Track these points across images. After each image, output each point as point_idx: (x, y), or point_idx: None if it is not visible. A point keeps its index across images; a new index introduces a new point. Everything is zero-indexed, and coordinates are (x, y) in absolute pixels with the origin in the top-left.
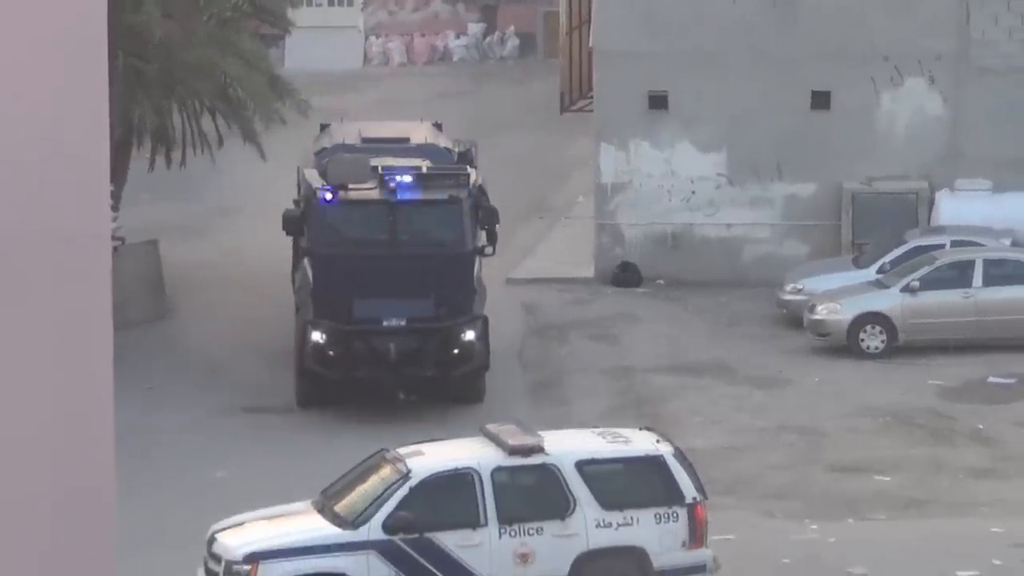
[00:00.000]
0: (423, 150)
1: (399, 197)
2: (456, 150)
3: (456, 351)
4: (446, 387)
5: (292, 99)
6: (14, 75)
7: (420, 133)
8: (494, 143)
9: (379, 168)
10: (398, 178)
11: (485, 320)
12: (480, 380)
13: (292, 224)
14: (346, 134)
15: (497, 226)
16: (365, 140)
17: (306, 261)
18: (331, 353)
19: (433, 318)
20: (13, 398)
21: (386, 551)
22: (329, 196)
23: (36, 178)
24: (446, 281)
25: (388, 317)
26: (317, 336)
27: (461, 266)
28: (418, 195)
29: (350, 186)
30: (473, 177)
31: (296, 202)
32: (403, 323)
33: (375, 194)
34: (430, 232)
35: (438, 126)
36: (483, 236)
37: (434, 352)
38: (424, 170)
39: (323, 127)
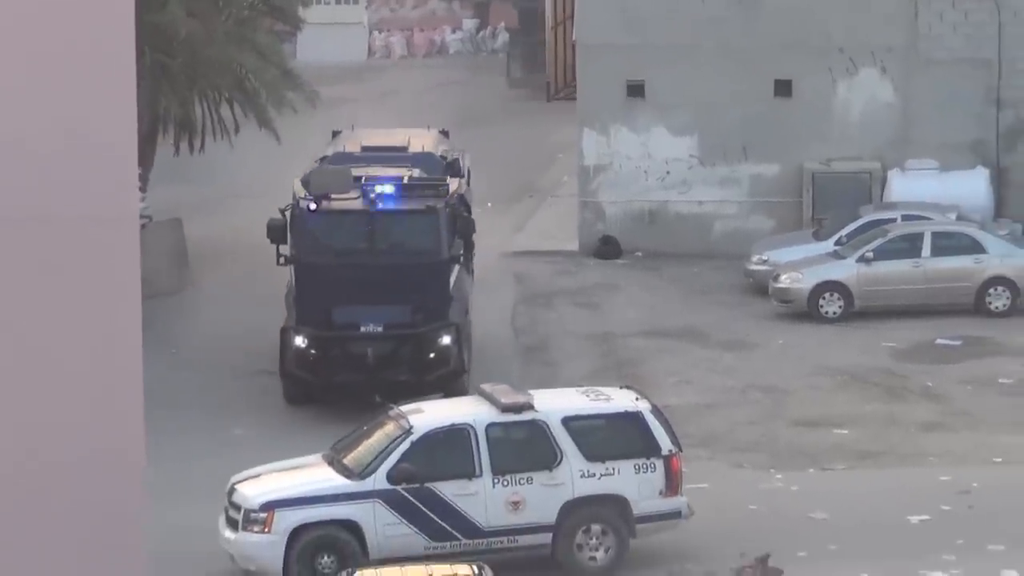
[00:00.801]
0: (418, 159)
1: (378, 207)
2: (447, 159)
3: (432, 355)
4: (422, 390)
5: (302, 90)
6: (51, 72)
7: (423, 141)
8: (486, 129)
9: (362, 178)
10: (378, 188)
11: (459, 326)
12: (458, 383)
13: (276, 232)
14: (350, 142)
15: (474, 235)
16: (365, 148)
17: (290, 268)
18: (311, 358)
19: (409, 324)
20: (52, 358)
21: (390, 500)
22: (312, 206)
23: (72, 164)
24: (422, 288)
25: (366, 323)
26: (299, 341)
27: (437, 274)
28: (397, 205)
29: (333, 196)
30: (454, 187)
31: (282, 211)
32: (380, 329)
33: (356, 204)
34: (408, 241)
35: (444, 133)
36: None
37: (409, 357)
38: (405, 180)
39: (335, 134)
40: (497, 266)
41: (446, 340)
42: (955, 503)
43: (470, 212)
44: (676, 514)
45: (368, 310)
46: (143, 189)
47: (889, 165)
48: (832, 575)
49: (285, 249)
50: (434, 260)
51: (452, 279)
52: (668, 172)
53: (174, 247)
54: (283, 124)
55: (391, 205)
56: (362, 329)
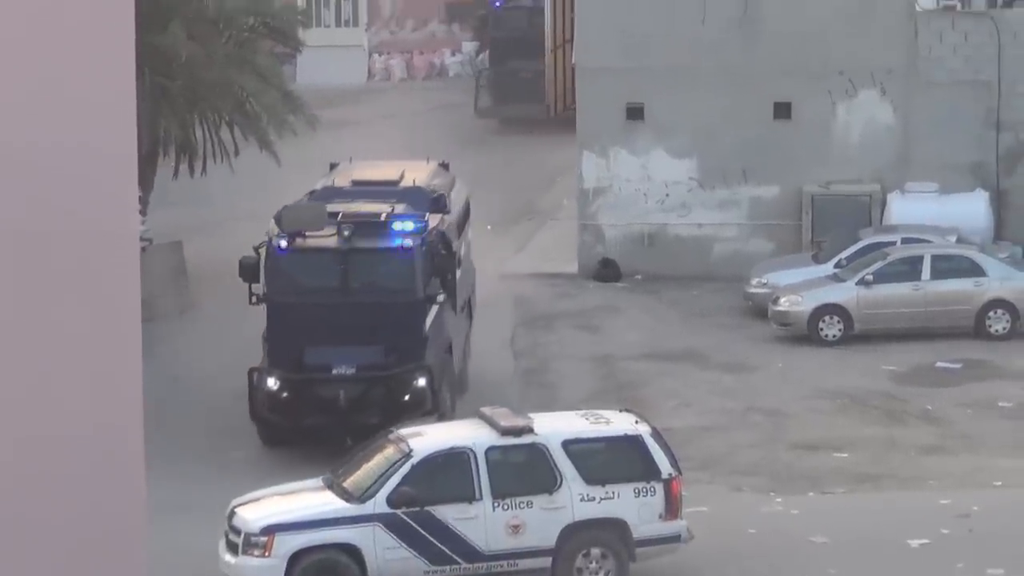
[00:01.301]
0: (406, 193)
1: (352, 245)
2: (434, 194)
3: (407, 398)
4: None
5: (302, 112)
6: (52, 93)
7: (418, 174)
8: (486, 151)
9: (338, 215)
10: (353, 226)
11: (433, 368)
12: None
13: (248, 271)
14: (341, 176)
15: (450, 274)
16: (355, 183)
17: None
18: (282, 401)
19: (382, 365)
20: (51, 382)
21: (390, 523)
22: (283, 244)
23: (73, 186)
24: (396, 329)
25: (338, 365)
26: (270, 383)
27: (412, 314)
28: (370, 243)
29: (306, 233)
30: (433, 224)
31: (255, 248)
32: (352, 371)
33: (328, 242)
34: (381, 280)
35: (444, 166)
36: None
37: (382, 399)
38: (383, 217)
39: (332, 166)
40: (497, 288)
41: (421, 382)
42: (955, 527)
43: (450, 249)
44: (676, 538)
45: (340, 351)
46: (143, 212)
47: (889, 188)
48: None
49: (258, 288)
50: (409, 300)
51: (428, 319)
52: (668, 195)
53: (174, 269)
54: (283, 146)
55: (364, 243)
56: (334, 371)
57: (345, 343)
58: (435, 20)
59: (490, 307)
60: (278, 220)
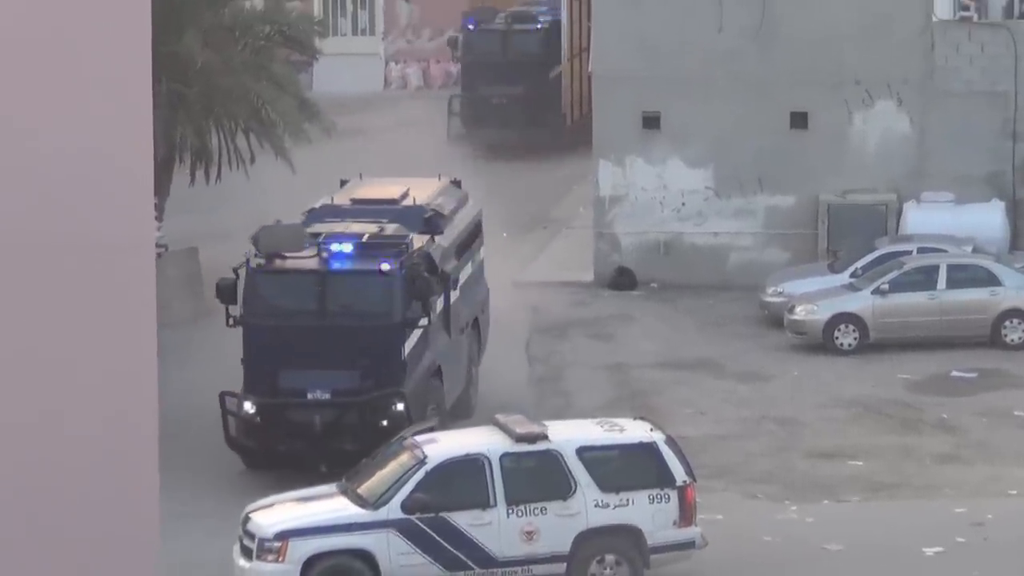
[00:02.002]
0: (404, 213)
1: (330, 267)
2: (428, 214)
3: (384, 423)
4: None
5: (319, 120)
6: (70, 102)
7: (425, 192)
8: (502, 160)
9: (320, 236)
10: (334, 247)
11: (409, 394)
12: None
13: (225, 293)
14: (342, 194)
15: (431, 298)
16: (355, 201)
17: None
18: (256, 425)
19: (358, 391)
20: (67, 386)
21: (404, 529)
22: (261, 265)
23: (90, 193)
24: (373, 353)
25: (312, 389)
26: (246, 407)
27: (389, 338)
28: (348, 265)
29: (285, 255)
30: (417, 245)
31: (234, 270)
32: (328, 396)
33: (306, 263)
34: (359, 303)
35: (456, 183)
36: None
37: (358, 425)
38: (365, 238)
39: (342, 183)
40: (512, 296)
41: (399, 407)
42: (970, 535)
43: (435, 271)
44: (690, 544)
45: (316, 375)
46: (159, 218)
47: (905, 197)
48: None
49: (235, 310)
50: (386, 323)
51: (409, 343)
52: (684, 203)
53: (190, 276)
54: (299, 154)
55: (344, 265)
56: (309, 396)
57: (321, 367)
58: (452, 29)
59: (505, 315)
60: (255, 241)
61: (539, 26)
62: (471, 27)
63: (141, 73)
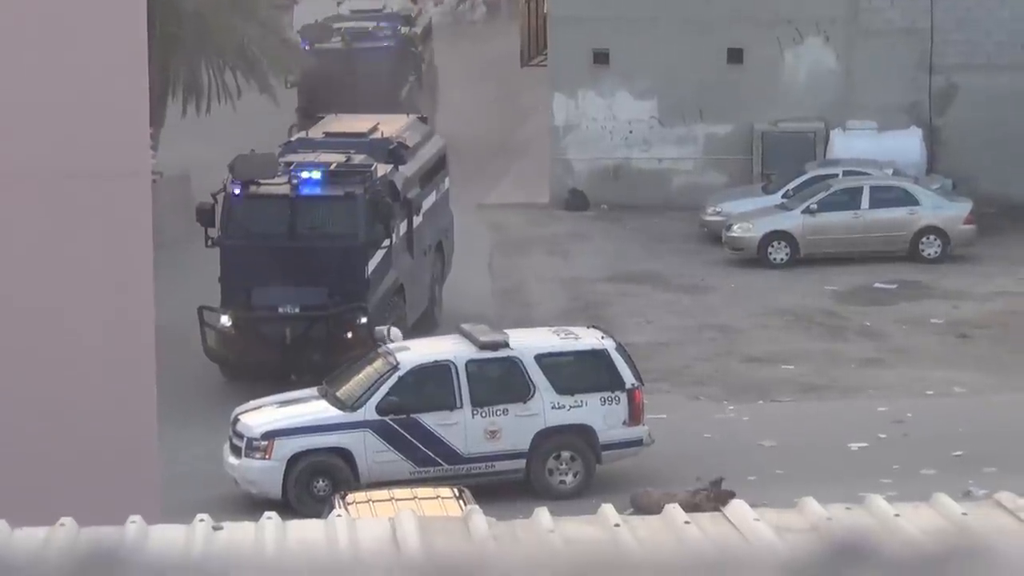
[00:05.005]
0: (371, 145)
1: (299, 192)
2: (392, 146)
3: (348, 335)
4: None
5: (298, 58)
6: (73, 45)
7: (392, 127)
8: (465, 93)
9: (292, 164)
10: (303, 174)
11: (368, 310)
12: None
13: (204, 216)
14: (317, 128)
15: (392, 220)
16: (327, 134)
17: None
18: (231, 337)
19: (325, 305)
20: (71, 300)
21: (379, 429)
22: (237, 191)
23: (90, 125)
24: (339, 271)
25: (283, 304)
26: (223, 320)
27: (353, 257)
28: (317, 191)
29: (260, 181)
30: (380, 173)
31: (213, 195)
32: (297, 310)
33: (278, 189)
34: (326, 226)
35: (423, 119)
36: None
37: (325, 337)
38: (332, 167)
39: (318, 119)
40: (475, 217)
41: (362, 320)
42: (890, 431)
43: (398, 198)
44: (638, 442)
45: (286, 292)
46: (154, 148)
47: (831, 125)
48: (779, 497)
49: (213, 232)
50: (351, 244)
51: (372, 263)
52: (631, 132)
53: (182, 201)
54: (281, 90)
55: (312, 191)
56: (280, 310)
57: (291, 284)
58: None
59: (469, 234)
60: (232, 168)
61: None
62: (305, 47)
63: (137, 15)
